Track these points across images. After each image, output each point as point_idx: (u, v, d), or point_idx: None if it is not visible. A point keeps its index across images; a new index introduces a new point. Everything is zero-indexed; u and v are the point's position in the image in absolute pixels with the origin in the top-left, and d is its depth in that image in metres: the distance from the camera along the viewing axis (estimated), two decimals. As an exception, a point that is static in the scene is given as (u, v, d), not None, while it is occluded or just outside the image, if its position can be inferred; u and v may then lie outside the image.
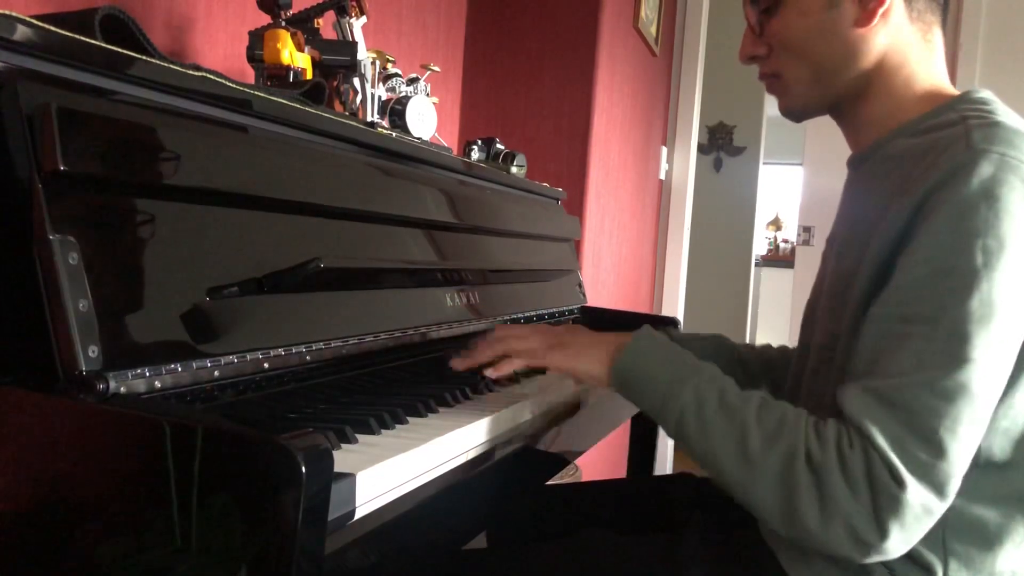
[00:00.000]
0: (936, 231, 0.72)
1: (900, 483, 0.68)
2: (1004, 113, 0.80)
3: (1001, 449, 0.78)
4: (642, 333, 0.87)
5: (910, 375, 0.71)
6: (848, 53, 0.86)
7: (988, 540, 0.79)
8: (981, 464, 0.78)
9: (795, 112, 0.94)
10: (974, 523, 0.78)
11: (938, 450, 0.69)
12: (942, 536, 0.78)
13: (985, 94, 0.84)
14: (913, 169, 0.77)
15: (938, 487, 0.69)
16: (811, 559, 0.82)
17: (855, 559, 0.72)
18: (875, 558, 0.71)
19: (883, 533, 0.69)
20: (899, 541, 0.70)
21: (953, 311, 0.71)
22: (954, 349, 0.70)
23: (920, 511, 0.69)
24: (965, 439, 0.70)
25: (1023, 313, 0.72)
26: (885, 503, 0.68)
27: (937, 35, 0.90)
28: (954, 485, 0.70)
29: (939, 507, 0.70)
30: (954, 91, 0.88)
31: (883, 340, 0.74)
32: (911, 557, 0.78)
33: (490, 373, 0.93)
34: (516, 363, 0.91)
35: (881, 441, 0.69)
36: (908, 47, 0.87)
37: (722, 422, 0.76)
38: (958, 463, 0.70)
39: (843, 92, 0.89)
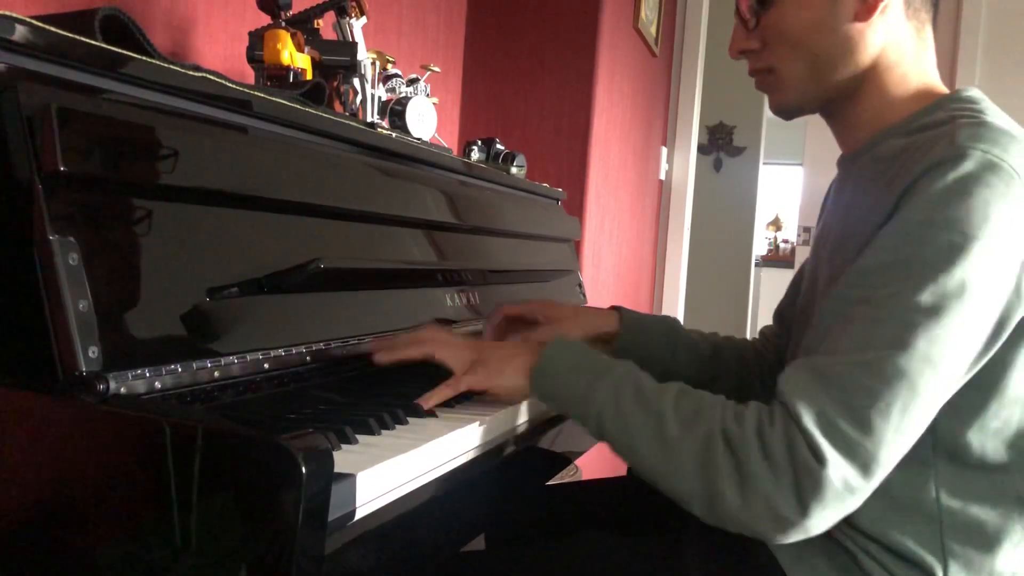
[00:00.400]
0: (906, 220, 0.72)
1: (821, 459, 0.68)
2: (993, 113, 0.80)
3: (995, 451, 0.78)
4: (556, 341, 0.87)
5: (849, 354, 0.71)
6: (846, 48, 0.85)
7: (987, 541, 0.78)
8: (976, 465, 0.78)
9: (788, 109, 0.92)
10: (972, 524, 0.78)
11: (866, 428, 0.68)
12: (940, 538, 0.78)
13: (974, 93, 0.84)
14: (901, 168, 0.77)
15: (863, 465, 0.68)
16: (812, 560, 0.82)
17: (774, 538, 0.72)
18: (794, 537, 0.71)
19: (804, 511, 0.69)
20: (819, 519, 0.69)
21: (905, 298, 0.70)
22: (898, 334, 0.70)
23: (841, 488, 0.68)
24: (898, 425, 0.69)
25: (983, 316, 0.71)
26: (805, 481, 0.68)
27: (929, 33, 0.89)
28: (881, 468, 0.69)
29: (863, 486, 0.69)
30: (945, 90, 0.88)
31: (832, 320, 0.74)
32: (910, 560, 0.78)
33: (423, 403, 0.85)
34: (447, 392, 0.86)
35: (806, 417, 0.69)
36: (904, 44, 0.86)
37: (639, 413, 0.76)
38: (887, 447, 0.69)
39: (838, 89, 0.88)
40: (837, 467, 0.68)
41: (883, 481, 0.73)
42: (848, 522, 0.80)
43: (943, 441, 0.77)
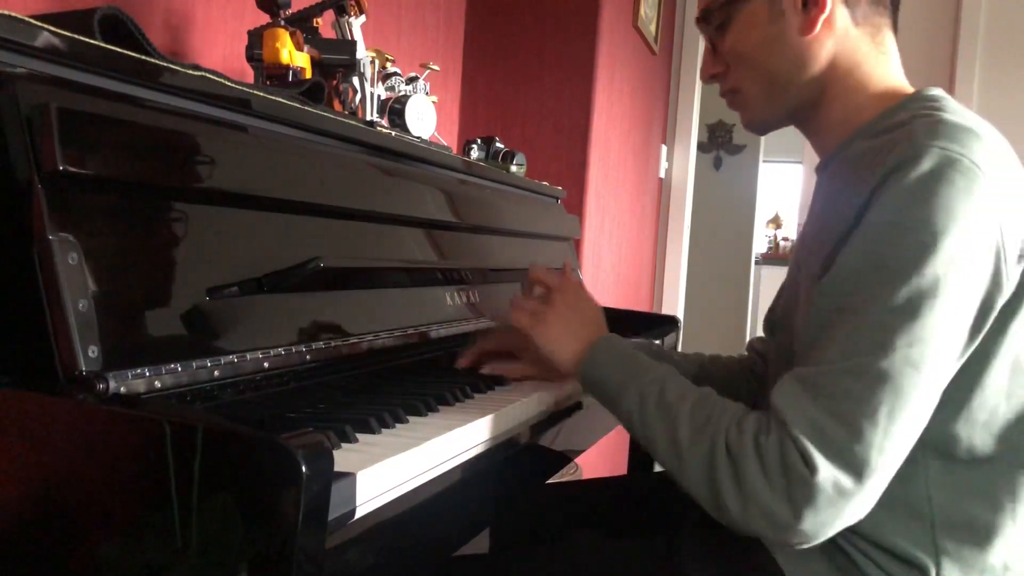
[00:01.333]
0: (873, 223, 0.73)
1: (812, 467, 0.69)
2: (951, 110, 0.80)
3: (983, 444, 0.78)
4: (601, 340, 0.92)
5: (834, 363, 0.72)
6: (798, 61, 0.88)
7: (979, 536, 0.79)
8: (965, 460, 0.79)
9: (756, 124, 0.96)
10: (964, 521, 0.79)
11: (855, 433, 0.69)
12: (932, 535, 0.78)
13: (936, 91, 0.85)
14: (864, 170, 0.77)
15: (855, 470, 0.69)
16: (810, 562, 0.82)
17: (776, 541, 0.75)
18: (795, 540, 0.72)
19: (797, 516, 0.70)
20: (813, 524, 0.70)
21: (880, 302, 0.71)
22: (878, 338, 0.70)
23: (833, 493, 0.69)
24: (887, 428, 0.70)
25: (961, 310, 0.72)
26: (797, 488, 0.69)
27: (888, 37, 0.91)
28: (875, 472, 0.70)
29: (856, 490, 0.70)
30: (911, 90, 0.88)
31: (818, 331, 0.76)
32: (904, 559, 0.79)
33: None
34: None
35: (797, 427, 0.70)
36: (857, 51, 0.88)
37: (659, 418, 0.81)
38: (879, 450, 0.69)
39: (799, 100, 0.90)
40: (828, 473, 0.69)
41: None
42: None
43: (931, 437, 0.77)
